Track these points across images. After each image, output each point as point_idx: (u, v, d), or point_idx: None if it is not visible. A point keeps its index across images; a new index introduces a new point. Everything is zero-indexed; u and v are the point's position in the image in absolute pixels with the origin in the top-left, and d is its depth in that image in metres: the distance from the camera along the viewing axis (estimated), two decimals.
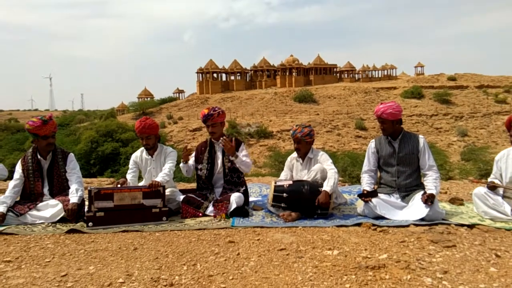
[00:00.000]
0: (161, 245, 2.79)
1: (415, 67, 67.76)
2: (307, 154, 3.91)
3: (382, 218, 3.39)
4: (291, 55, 65.75)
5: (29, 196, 3.56)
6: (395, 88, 56.70)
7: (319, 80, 62.12)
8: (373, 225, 3.21)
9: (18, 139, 50.34)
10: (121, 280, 2.16)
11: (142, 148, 4.04)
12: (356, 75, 66.08)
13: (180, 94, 69.03)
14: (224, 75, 64.93)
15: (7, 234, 3.09)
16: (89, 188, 3.31)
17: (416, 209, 3.36)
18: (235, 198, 3.50)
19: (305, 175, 3.77)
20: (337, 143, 42.77)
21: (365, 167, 3.80)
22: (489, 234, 3.01)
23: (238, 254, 2.58)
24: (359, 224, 3.27)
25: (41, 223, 3.37)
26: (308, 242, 2.82)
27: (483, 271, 2.28)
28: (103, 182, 6.58)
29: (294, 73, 61.91)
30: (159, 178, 3.59)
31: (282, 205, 3.49)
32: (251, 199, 4.16)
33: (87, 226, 3.20)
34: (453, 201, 4.13)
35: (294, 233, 3.07)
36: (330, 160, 3.79)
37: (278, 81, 62.68)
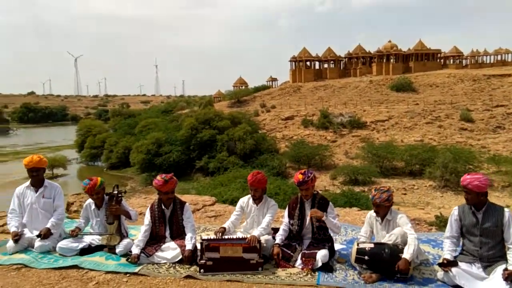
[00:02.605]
0: None
1: None
2: (386, 216, 4.21)
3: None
4: (389, 41, 62.59)
5: (154, 238, 4.49)
6: (509, 75, 50.66)
7: (420, 67, 58.17)
8: None
9: (130, 124, 56.51)
10: None
11: (249, 195, 4.74)
12: (464, 61, 60.41)
13: (273, 82, 70.34)
14: (317, 63, 64.38)
15: (141, 275, 4.01)
16: (200, 240, 4.09)
17: (496, 283, 3.49)
18: (320, 256, 3.99)
19: (385, 236, 4.10)
20: (438, 136, 39.99)
21: (447, 233, 3.98)
22: None
23: None
24: None
25: (164, 263, 4.24)
26: None
27: None
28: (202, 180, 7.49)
29: (392, 60, 58.91)
30: (256, 233, 4.25)
31: (364, 266, 3.89)
32: (336, 246, 4.59)
33: (199, 272, 3.98)
34: None
35: None
36: (410, 224, 4.05)
37: (374, 69, 60.30)
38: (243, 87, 67.66)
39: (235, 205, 5.19)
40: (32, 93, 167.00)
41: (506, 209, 3.75)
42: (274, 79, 71.00)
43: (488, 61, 59.87)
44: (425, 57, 59.96)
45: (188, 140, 39.31)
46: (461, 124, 41.53)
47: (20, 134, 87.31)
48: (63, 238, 4.67)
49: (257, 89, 65.92)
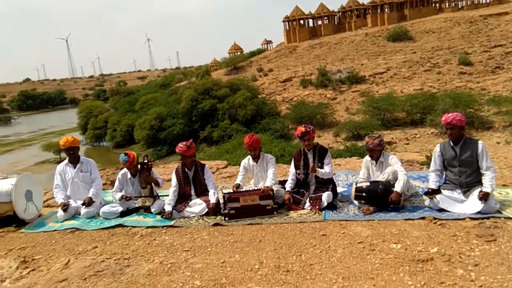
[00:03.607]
0: (276, 237, 4.14)
1: None
2: (379, 158, 4.88)
3: (444, 210, 4.30)
4: None
5: (182, 196, 5.21)
6: (507, 13, 49.96)
7: (415, 14, 57.33)
8: (435, 218, 4.16)
9: (130, 101, 56.81)
10: (257, 266, 3.55)
11: (249, 156, 5.41)
12: (459, 3, 59.31)
13: (268, 45, 69.73)
14: (311, 21, 63.49)
15: (176, 226, 4.75)
16: (223, 194, 4.80)
17: (472, 204, 4.20)
18: (326, 197, 4.71)
19: (379, 176, 4.78)
20: (438, 83, 40.20)
21: (431, 167, 4.65)
22: None
23: (329, 246, 3.81)
24: (423, 217, 4.24)
25: (193, 216, 4.97)
26: (380, 235, 3.92)
27: (506, 263, 3.18)
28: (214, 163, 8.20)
29: (386, 10, 57.99)
30: (268, 183, 4.96)
31: (362, 201, 4.60)
32: (338, 189, 5.30)
33: (224, 220, 4.71)
34: None
35: (371, 226, 4.18)
36: (400, 163, 4.73)
37: (369, 21, 59.53)
38: (239, 53, 67.24)
39: None
40: (27, 80, 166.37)
41: (479, 142, 4.39)
42: (269, 42, 70.35)
43: (484, 1, 58.75)
44: (420, 3, 58.93)
45: (189, 112, 39.79)
46: (460, 68, 41.54)
47: (22, 122, 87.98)
48: (102, 205, 5.41)
49: (253, 54, 65.51)
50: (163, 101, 47.05)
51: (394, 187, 4.52)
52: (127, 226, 4.87)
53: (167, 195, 5.29)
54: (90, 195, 5.30)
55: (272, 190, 4.83)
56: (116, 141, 45.92)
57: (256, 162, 5.37)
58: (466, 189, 4.42)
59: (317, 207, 4.72)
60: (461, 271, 3.14)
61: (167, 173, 7.75)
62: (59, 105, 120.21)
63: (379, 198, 4.53)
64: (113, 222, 4.97)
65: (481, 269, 3.15)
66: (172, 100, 46.26)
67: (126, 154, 5.31)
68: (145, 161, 5.24)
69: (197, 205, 5.03)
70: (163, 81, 74.35)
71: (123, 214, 5.21)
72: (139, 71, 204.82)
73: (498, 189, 4.77)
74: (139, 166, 5.37)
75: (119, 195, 5.29)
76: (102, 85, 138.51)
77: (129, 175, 5.42)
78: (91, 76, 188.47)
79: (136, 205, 5.34)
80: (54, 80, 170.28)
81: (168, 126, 39.04)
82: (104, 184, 7.12)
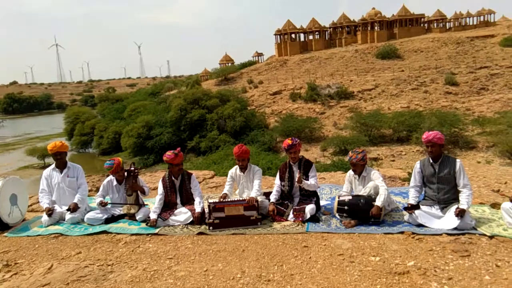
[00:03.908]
0: (259, 248, 4.22)
1: None
2: (362, 173, 5.03)
3: (422, 226, 4.44)
4: (373, 8, 62.66)
5: (167, 205, 5.25)
6: (492, 36, 51.49)
7: (404, 33, 58.61)
8: (413, 233, 4.29)
9: (118, 108, 56.56)
10: (239, 275, 3.62)
11: (236, 166, 5.51)
12: (447, 24, 60.88)
13: (259, 57, 70.28)
14: (302, 35, 64.36)
15: (161, 234, 4.79)
16: (208, 203, 4.87)
17: (449, 220, 4.35)
18: (309, 210, 4.81)
19: (362, 190, 4.92)
20: (424, 101, 41.03)
21: (411, 183, 4.81)
22: (503, 244, 3.92)
23: (310, 257, 3.90)
24: (402, 232, 4.37)
25: (178, 224, 5.02)
26: (360, 248, 4.04)
27: (478, 278, 3.31)
28: (204, 174, 8.27)
29: (376, 27, 59.20)
30: (253, 194, 5.04)
31: (344, 214, 4.72)
32: (322, 202, 5.41)
33: (209, 229, 4.77)
34: (494, 205, 4.95)
35: (352, 239, 4.29)
36: (381, 178, 4.87)
37: (359, 37, 60.62)
38: (230, 64, 67.56)
39: None
40: (14, 82, 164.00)
41: (457, 160, 4.57)
42: (260, 54, 70.91)
43: (471, 23, 60.33)
44: (409, 23, 60.29)
45: (178, 121, 39.74)
46: (446, 88, 42.52)
47: (7, 125, 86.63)
48: (88, 211, 5.42)
49: (244, 65, 65.96)
50: (152, 109, 46.90)
51: (375, 201, 4.65)
52: (111, 233, 4.89)
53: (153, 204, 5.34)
54: (75, 200, 5.32)
55: (257, 201, 4.92)
56: (102, 148, 45.51)
57: (243, 173, 5.47)
58: (444, 205, 4.57)
59: (300, 219, 4.81)
60: (435, 284, 3.26)
61: (153, 182, 7.78)
62: (45, 110, 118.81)
63: (360, 211, 4.66)
64: (98, 229, 4.99)
65: (454, 282, 3.27)
66: (161, 108, 46.15)
67: (111, 160, 5.36)
68: (132, 168, 5.29)
69: (182, 214, 5.09)
70: (153, 89, 74.22)
71: (108, 221, 5.23)
72: (129, 78, 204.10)
73: (474, 206, 4.94)
74: (125, 173, 5.41)
75: (98, 200, 5.31)
76: (90, 90, 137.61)
77: (114, 182, 5.46)
78: (80, 82, 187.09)
79: (121, 213, 5.36)
80: (42, 84, 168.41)
81: (156, 135, 38.93)
82: (89, 191, 7.12)
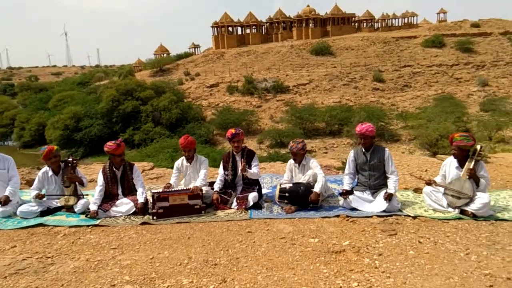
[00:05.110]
0: (204, 235, 4.31)
1: (438, 13, 65.72)
2: (302, 162, 5.31)
3: (356, 209, 4.82)
4: (308, 5, 64.58)
5: (108, 196, 5.13)
6: (415, 37, 55.63)
7: (337, 31, 61.20)
8: (347, 216, 4.66)
9: (42, 98, 52.93)
10: (186, 261, 3.69)
11: (183, 157, 5.52)
12: (375, 24, 64.62)
13: (196, 49, 69.34)
14: (239, 29, 64.56)
15: (102, 226, 4.68)
16: (151, 193, 4.84)
17: (379, 203, 4.78)
18: (252, 198, 4.99)
19: (301, 178, 5.20)
20: (354, 96, 43.46)
21: (346, 171, 5.19)
22: (425, 223, 4.42)
23: (254, 242, 4.08)
24: (338, 215, 4.72)
25: (120, 216, 4.94)
26: (300, 231, 4.30)
27: (404, 253, 3.71)
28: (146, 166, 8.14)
29: (310, 25, 61.14)
30: (198, 183, 5.10)
31: (285, 201, 4.96)
32: (263, 191, 5.62)
33: (153, 219, 4.76)
34: (416, 190, 5.51)
35: (292, 224, 4.55)
36: (319, 167, 5.20)
37: (294, 33, 62.15)
38: (165, 55, 65.85)
39: (172, 169, 5.94)
40: None
41: (386, 149, 5.02)
42: (196, 46, 69.92)
43: (396, 24, 64.61)
44: (341, 21, 63.01)
45: (109, 112, 38.01)
46: (374, 84, 45.38)
47: None
48: (20, 204, 5.11)
49: (180, 57, 64.61)
50: (81, 99, 44.28)
51: (314, 188, 4.95)
52: (48, 226, 4.68)
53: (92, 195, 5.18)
54: (6, 193, 4.99)
55: (201, 190, 4.99)
56: (24, 140, 42.27)
57: (190, 163, 5.49)
58: (374, 190, 5.00)
59: (244, 206, 4.98)
60: (368, 260, 3.60)
61: (89, 174, 7.50)
62: None
63: (300, 198, 4.93)
64: (32, 222, 4.74)
65: (383, 258, 3.63)
66: (90, 99, 43.73)
67: (46, 146, 5.13)
68: (70, 159, 5.08)
69: (124, 205, 5.00)
70: (82, 78, 70.21)
71: (43, 214, 4.98)
72: (54, 66, 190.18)
73: (400, 191, 5.46)
74: (62, 164, 5.18)
75: (34, 193, 5.05)
76: (9, 78, 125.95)
77: (50, 173, 5.20)
78: None
79: (58, 205, 5.13)
80: None
81: (85, 127, 36.96)
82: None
